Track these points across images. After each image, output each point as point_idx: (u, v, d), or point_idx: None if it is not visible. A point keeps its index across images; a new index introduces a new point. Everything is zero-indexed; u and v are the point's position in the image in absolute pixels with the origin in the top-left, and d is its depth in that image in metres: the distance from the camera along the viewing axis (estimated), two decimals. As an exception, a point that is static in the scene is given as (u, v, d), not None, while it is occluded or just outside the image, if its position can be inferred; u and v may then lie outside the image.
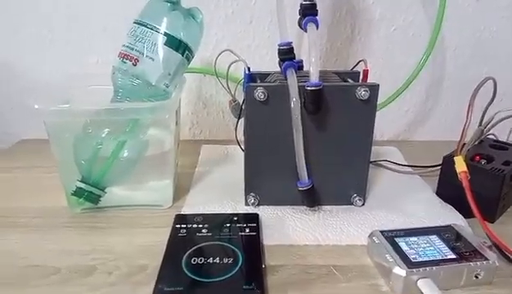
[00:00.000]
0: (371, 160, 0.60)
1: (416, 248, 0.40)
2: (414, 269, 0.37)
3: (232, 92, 0.56)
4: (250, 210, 0.51)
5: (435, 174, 0.55)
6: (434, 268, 0.37)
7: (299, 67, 0.51)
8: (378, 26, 0.67)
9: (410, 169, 0.61)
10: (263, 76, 0.53)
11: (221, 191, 0.55)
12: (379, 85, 0.46)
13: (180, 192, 0.55)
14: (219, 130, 0.73)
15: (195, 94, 0.71)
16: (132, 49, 0.48)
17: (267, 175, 0.50)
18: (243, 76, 0.51)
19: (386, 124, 0.73)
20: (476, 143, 0.52)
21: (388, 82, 0.66)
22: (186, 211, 0.50)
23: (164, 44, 0.48)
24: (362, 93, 0.46)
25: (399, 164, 0.61)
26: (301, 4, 0.46)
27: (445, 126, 0.73)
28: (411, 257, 0.39)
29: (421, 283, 0.36)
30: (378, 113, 0.65)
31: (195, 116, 0.72)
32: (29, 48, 0.68)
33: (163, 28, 0.48)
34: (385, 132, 0.74)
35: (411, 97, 0.71)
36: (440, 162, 0.53)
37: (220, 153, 0.66)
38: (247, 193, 0.51)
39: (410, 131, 0.75)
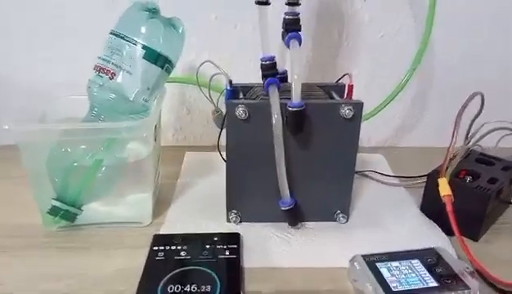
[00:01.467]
0: (357, 170, 0.59)
1: (398, 275, 0.39)
2: (394, 300, 0.37)
3: (215, 101, 0.54)
4: (232, 227, 0.50)
5: (421, 185, 0.54)
6: (415, 298, 0.37)
7: (283, 79, 0.50)
8: (366, 31, 0.65)
9: (395, 180, 0.60)
10: (246, 89, 0.51)
11: (202, 205, 0.53)
12: (363, 103, 0.45)
13: (161, 206, 0.53)
14: (204, 136, 0.72)
15: (178, 99, 0.69)
16: (109, 62, 0.46)
17: (249, 193, 0.49)
18: (225, 87, 0.49)
19: (373, 130, 0.72)
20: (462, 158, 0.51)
21: (375, 89, 0.64)
22: (165, 229, 0.49)
23: (143, 57, 0.46)
24: (346, 112, 0.44)
25: (385, 175, 0.61)
26: (284, 18, 0.44)
27: (433, 133, 0.72)
28: (392, 286, 0.38)
29: (401, 315, 0.36)
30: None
31: (178, 122, 0.71)
32: (17, 53, 0.65)
33: (141, 41, 0.46)
34: (372, 138, 0.73)
35: (399, 103, 0.69)
36: (426, 171, 0.52)
37: (204, 161, 0.64)
38: (229, 210, 0.50)
39: (397, 137, 0.74)
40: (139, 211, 0.51)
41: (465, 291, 0.38)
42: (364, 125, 0.47)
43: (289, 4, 0.43)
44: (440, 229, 0.49)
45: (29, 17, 0.63)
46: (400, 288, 0.38)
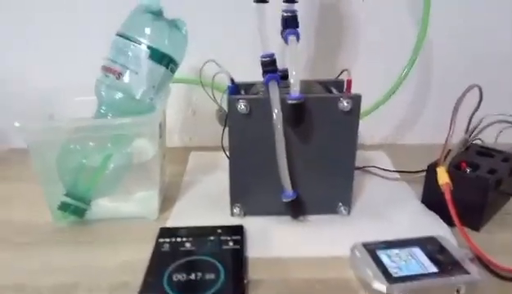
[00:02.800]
0: (359, 166, 0.60)
1: (398, 261, 0.40)
2: (394, 285, 0.37)
3: (219, 101, 0.55)
4: (236, 221, 0.51)
5: (422, 180, 0.55)
6: (415, 283, 0.37)
7: (284, 76, 0.51)
8: (364, 30, 0.67)
9: (397, 175, 0.61)
10: (248, 87, 0.52)
11: (207, 201, 0.55)
12: (361, 96, 0.46)
13: (167, 203, 0.55)
14: (209, 137, 0.73)
15: (185, 100, 0.71)
16: (115, 62, 0.48)
17: (252, 186, 0.50)
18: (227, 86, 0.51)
19: (375, 127, 0.72)
20: (461, 150, 0.52)
21: (375, 87, 0.65)
22: (171, 223, 0.50)
23: (148, 57, 0.47)
24: (345, 104, 0.46)
25: (386, 170, 0.61)
26: (282, 16, 0.45)
27: (434, 130, 0.72)
28: (392, 272, 0.39)
29: (401, 299, 0.37)
30: (367, 117, 0.65)
31: (184, 123, 0.72)
32: (23, 54, 0.68)
33: (146, 41, 0.47)
34: (375, 135, 0.74)
35: (401, 99, 0.70)
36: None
37: (209, 160, 0.66)
38: (232, 203, 0.51)
39: (399, 134, 0.74)
40: (146, 207, 0.52)
41: (465, 276, 0.38)
42: (366, 123, 0.47)
43: (286, 1, 0.45)
44: (441, 219, 0.49)
45: (38, 20, 0.66)
46: (400, 274, 0.38)
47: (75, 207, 0.48)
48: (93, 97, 0.49)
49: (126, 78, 0.47)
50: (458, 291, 0.38)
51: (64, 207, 0.48)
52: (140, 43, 0.47)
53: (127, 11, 0.49)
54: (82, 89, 0.52)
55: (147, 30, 0.48)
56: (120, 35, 0.48)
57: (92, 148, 0.48)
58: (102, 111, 0.49)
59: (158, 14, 0.50)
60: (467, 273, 0.39)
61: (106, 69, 0.48)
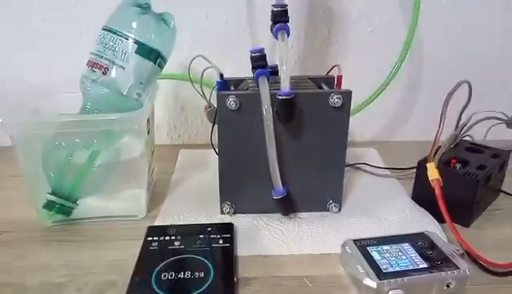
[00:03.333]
0: (349, 163, 0.60)
1: (388, 258, 0.40)
2: (385, 281, 0.37)
3: (208, 97, 0.55)
4: (226, 218, 0.50)
5: (412, 176, 0.55)
6: (405, 279, 0.37)
7: (274, 72, 0.51)
8: (355, 27, 0.66)
9: (387, 172, 0.61)
10: (237, 82, 0.52)
11: (197, 199, 0.54)
12: (351, 92, 0.46)
13: (155, 201, 0.54)
14: (198, 134, 0.72)
15: (173, 97, 0.70)
16: (102, 57, 0.47)
17: (242, 184, 0.49)
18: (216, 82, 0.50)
19: (366, 125, 0.73)
20: (451, 146, 0.52)
21: (365, 84, 0.65)
22: (160, 221, 0.49)
23: (135, 52, 0.47)
24: (335, 100, 0.45)
25: (377, 167, 0.61)
26: (272, 10, 0.45)
27: (425, 126, 0.73)
28: (383, 268, 0.38)
29: (392, 295, 0.36)
30: (357, 114, 0.65)
31: (172, 120, 0.71)
32: (23, 54, 0.66)
33: (133, 36, 0.46)
34: (365, 133, 0.74)
35: (391, 97, 0.70)
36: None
37: (198, 158, 0.65)
38: (222, 201, 0.50)
39: (390, 132, 0.74)
40: (133, 206, 0.51)
41: (455, 271, 0.38)
42: (357, 120, 0.47)
43: (276, -5, 0.44)
44: (431, 216, 0.49)
45: (38, 20, 0.65)
46: (391, 270, 0.38)
47: (61, 206, 0.47)
48: (80, 93, 0.48)
49: (113, 73, 0.46)
50: (448, 286, 0.38)
51: (49, 205, 0.47)
52: (127, 38, 0.46)
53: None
54: (69, 85, 0.51)
55: (134, 24, 0.47)
56: (107, 29, 0.47)
57: (78, 144, 0.47)
58: (88, 108, 0.47)
59: (145, 7, 0.49)
60: (457, 268, 0.39)
61: (92, 64, 0.47)
